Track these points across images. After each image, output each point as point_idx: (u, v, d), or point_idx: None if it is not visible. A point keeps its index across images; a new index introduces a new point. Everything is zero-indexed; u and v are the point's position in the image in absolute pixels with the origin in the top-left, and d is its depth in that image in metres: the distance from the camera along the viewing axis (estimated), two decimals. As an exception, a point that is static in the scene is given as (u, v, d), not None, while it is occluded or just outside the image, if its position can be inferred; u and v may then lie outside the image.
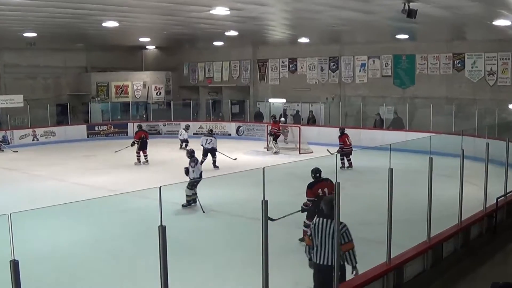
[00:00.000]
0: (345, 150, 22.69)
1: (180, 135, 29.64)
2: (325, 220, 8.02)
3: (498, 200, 12.81)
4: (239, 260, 11.36)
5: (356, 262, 8.11)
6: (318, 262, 8.05)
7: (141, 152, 24.54)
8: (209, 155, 23.22)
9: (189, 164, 17.04)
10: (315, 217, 8.39)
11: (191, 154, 17.43)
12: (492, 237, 12.33)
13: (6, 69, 32.94)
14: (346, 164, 22.43)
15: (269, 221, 6.66)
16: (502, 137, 14.87)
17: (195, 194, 16.21)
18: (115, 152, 26.40)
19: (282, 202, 14.63)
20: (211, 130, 27.07)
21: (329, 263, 7.88)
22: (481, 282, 9.62)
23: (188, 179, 16.52)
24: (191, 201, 16.31)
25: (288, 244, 12.04)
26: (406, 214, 13.45)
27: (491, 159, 12.83)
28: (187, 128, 29.93)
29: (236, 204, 16.54)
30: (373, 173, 18.07)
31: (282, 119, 31.56)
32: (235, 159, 24.38)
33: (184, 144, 28.75)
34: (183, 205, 16.16)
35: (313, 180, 12.23)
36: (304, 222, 12.29)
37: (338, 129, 24.74)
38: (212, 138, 23.54)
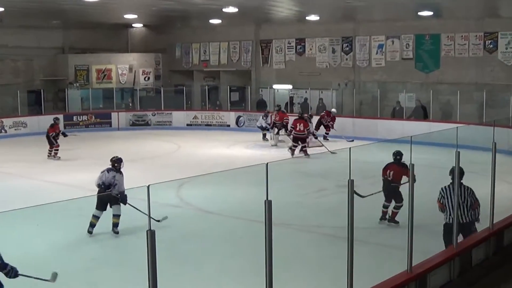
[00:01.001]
0: (295, 135, 24.19)
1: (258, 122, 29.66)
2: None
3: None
4: (238, 269, 11.35)
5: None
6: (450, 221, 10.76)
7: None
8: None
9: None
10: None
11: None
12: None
13: (-32, 50, 32.82)
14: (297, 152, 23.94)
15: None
16: None
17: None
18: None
19: (288, 203, 14.68)
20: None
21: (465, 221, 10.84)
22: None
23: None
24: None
25: (295, 250, 12.01)
26: (430, 217, 13.45)
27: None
28: (266, 115, 29.25)
29: (236, 204, 16.53)
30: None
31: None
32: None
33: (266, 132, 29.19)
34: None
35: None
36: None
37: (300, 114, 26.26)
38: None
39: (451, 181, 11.25)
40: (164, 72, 39.09)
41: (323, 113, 29.52)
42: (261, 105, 34.34)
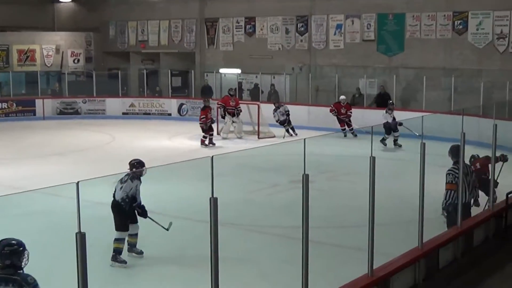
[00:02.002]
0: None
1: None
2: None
3: (509, 196, 12.97)
4: (181, 274, 11.38)
5: None
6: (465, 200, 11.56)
7: None
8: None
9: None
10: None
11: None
12: (501, 243, 12.50)
13: None
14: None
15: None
16: None
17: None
18: None
19: (237, 200, 14.74)
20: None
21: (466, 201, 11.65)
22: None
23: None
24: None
25: (244, 253, 12.08)
26: (393, 214, 13.66)
27: (500, 144, 12.99)
28: (278, 107, 28.48)
29: (179, 202, 16.52)
30: (351, 163, 18.25)
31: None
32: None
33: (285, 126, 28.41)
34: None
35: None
36: None
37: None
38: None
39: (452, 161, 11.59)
40: (97, 53, 38.83)
41: (332, 107, 28.05)
42: (206, 92, 34.19)
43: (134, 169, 12.67)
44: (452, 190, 11.58)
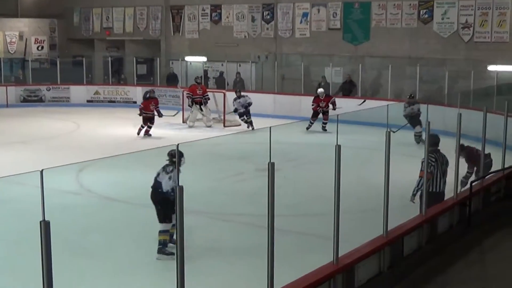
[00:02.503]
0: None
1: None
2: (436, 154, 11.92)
3: (473, 185, 13.09)
4: (148, 262, 11.36)
5: None
6: (436, 189, 12.05)
7: None
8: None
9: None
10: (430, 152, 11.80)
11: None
12: (465, 230, 12.60)
13: None
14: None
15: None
16: (479, 107, 15.12)
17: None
18: None
19: (202, 189, 14.75)
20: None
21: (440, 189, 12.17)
22: (452, 286, 9.89)
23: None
24: None
25: (209, 241, 12.09)
26: (358, 203, 13.75)
27: (464, 133, 13.09)
28: (239, 97, 27.02)
29: (145, 191, 16.43)
30: (317, 151, 18.31)
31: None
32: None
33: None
34: None
35: None
36: None
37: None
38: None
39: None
40: (61, 41, 38.53)
41: (313, 105, 26.11)
42: (171, 80, 34.18)
43: (173, 159, 11.71)
44: (422, 178, 11.68)
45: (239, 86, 31.70)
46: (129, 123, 25.39)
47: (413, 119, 20.79)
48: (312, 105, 26.00)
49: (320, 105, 25.80)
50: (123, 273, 11.26)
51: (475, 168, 14.34)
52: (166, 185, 11.83)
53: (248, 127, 26.28)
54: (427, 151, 11.78)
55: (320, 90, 26.81)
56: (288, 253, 10.86)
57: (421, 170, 11.79)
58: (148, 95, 25.82)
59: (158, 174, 12.03)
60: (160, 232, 11.65)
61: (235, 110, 26.76)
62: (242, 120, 26.77)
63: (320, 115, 25.77)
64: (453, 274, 10.65)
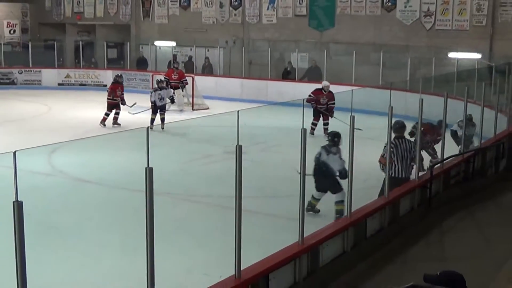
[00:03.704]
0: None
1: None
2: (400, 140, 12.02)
3: (433, 168, 13.18)
4: (118, 243, 11.32)
5: None
6: (397, 175, 11.97)
7: None
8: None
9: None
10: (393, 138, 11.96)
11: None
12: (425, 212, 12.69)
13: None
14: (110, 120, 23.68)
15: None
16: (439, 92, 15.19)
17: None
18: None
19: (173, 172, 14.71)
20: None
21: (403, 175, 12.12)
22: (413, 265, 9.96)
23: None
24: None
25: (178, 221, 12.07)
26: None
27: (426, 118, 13.18)
28: (160, 88, 23.56)
29: (116, 172, 16.41)
30: (283, 135, 18.29)
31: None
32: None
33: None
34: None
35: None
36: None
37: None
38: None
39: (393, 135, 11.71)
40: (32, 24, 38.20)
41: (311, 96, 21.01)
42: (141, 64, 34.05)
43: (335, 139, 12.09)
44: (382, 163, 11.90)
45: (207, 70, 31.71)
46: (99, 106, 25.18)
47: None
48: (311, 101, 20.10)
49: (321, 101, 20.72)
50: (93, 252, 11.23)
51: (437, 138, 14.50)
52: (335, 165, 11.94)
53: (151, 124, 21.95)
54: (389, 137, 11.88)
55: (325, 82, 22.04)
56: (256, 233, 10.88)
57: (381, 156, 11.85)
58: (115, 79, 25.12)
59: (320, 154, 11.92)
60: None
61: (159, 108, 22.71)
62: (153, 115, 22.63)
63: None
64: (413, 254, 10.73)
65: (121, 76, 25.28)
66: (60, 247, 11.03)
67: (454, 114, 14.98)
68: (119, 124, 23.49)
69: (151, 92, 23.23)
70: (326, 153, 11.98)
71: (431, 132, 14.80)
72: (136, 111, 23.26)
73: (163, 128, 22.19)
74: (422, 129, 13.50)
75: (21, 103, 28.96)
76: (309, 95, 20.74)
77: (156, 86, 23.44)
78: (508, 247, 10.66)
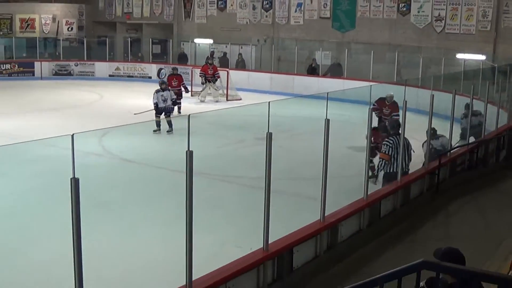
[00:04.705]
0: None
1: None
2: (397, 137, 11.52)
3: (441, 157, 13.09)
4: (160, 217, 11.34)
5: None
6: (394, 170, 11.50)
7: None
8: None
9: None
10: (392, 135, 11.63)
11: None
12: (433, 196, 12.61)
13: None
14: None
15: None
16: (448, 89, 15.10)
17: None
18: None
19: (210, 155, 14.70)
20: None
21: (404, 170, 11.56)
22: (421, 244, 9.90)
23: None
24: None
25: (214, 199, 12.05)
26: (343, 169, 13.71)
27: (436, 112, 13.07)
28: (163, 89, 20.52)
29: (159, 154, 16.45)
30: (308, 124, 18.23)
31: None
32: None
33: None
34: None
35: None
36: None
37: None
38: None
39: (392, 131, 11.60)
40: (88, 23, 38.30)
41: (375, 105, 16.19)
42: (182, 59, 34.03)
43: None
44: (384, 159, 11.66)
45: (240, 65, 31.66)
46: (144, 95, 25.21)
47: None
48: (375, 110, 15.63)
49: (384, 111, 16.80)
50: (136, 225, 11.26)
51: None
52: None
53: (157, 127, 19.56)
54: (389, 134, 11.77)
55: (390, 93, 16.88)
56: (282, 211, 10.85)
57: (380, 152, 11.72)
58: (170, 72, 24.92)
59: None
60: None
61: (164, 110, 19.93)
62: (156, 118, 19.79)
63: None
64: (421, 233, 10.68)
65: (175, 68, 25.45)
66: (108, 218, 11.07)
67: (460, 109, 14.88)
68: (180, 113, 22.74)
69: (154, 94, 20.24)
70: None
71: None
72: (139, 112, 20.93)
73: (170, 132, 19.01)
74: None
75: (77, 92, 29.10)
76: (373, 104, 15.69)
77: (159, 87, 20.37)
78: (506, 229, 10.58)
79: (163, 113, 19.90)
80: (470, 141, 14.17)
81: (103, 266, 8.67)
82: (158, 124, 19.40)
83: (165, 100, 19.89)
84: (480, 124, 15.14)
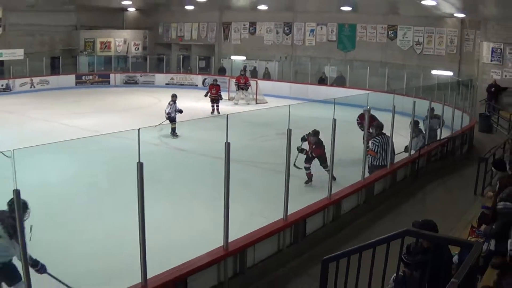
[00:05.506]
0: (212, 97, 23.69)
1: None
2: (382, 137, 11.34)
3: (421, 149, 13.03)
4: (204, 194, 11.32)
5: None
6: (379, 164, 11.24)
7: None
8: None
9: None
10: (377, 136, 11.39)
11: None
12: (414, 179, 12.53)
13: (10, 27, 31.92)
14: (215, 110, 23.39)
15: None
16: (426, 97, 15.19)
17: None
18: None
19: (242, 146, 14.68)
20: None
21: (385, 163, 11.27)
22: (404, 216, 9.82)
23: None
24: None
25: (245, 180, 12.01)
26: (345, 158, 13.61)
27: (416, 115, 13.02)
28: (174, 101, 19.09)
29: (203, 144, 16.43)
30: (319, 122, 18.09)
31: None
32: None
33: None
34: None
35: None
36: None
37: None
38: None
39: (376, 133, 11.46)
40: (150, 44, 38.36)
41: (358, 120, 14.32)
42: (221, 71, 34.07)
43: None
44: (371, 155, 11.40)
45: (266, 76, 31.61)
46: (192, 99, 25.23)
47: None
48: (359, 124, 14.16)
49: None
50: (184, 199, 11.27)
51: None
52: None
53: (171, 133, 18.45)
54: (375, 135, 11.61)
55: (367, 108, 11.75)
56: (298, 190, 10.82)
57: (369, 150, 11.38)
58: (211, 82, 25.13)
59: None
60: None
61: (173, 119, 18.53)
62: (172, 125, 18.48)
63: None
64: (405, 207, 10.65)
65: (215, 80, 25.63)
66: (162, 195, 11.08)
67: (436, 112, 14.81)
68: (219, 113, 22.98)
69: (170, 105, 18.70)
70: None
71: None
72: (158, 123, 18.03)
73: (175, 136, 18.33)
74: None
75: (141, 96, 29.22)
76: (357, 119, 14.34)
77: (171, 100, 18.85)
78: (466, 204, 10.57)
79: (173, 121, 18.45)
80: (429, 141, 13.93)
81: (159, 231, 8.66)
82: (174, 130, 18.28)
83: (178, 111, 18.52)
84: (434, 129, 14.89)
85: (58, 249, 7.66)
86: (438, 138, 14.69)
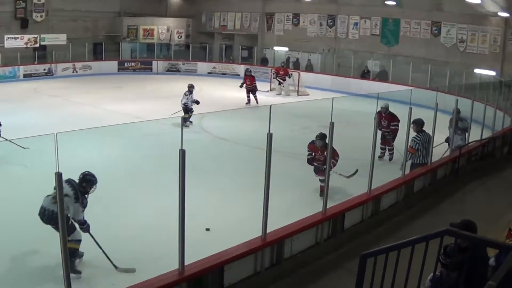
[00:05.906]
0: (248, 87, 23.47)
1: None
2: (422, 134, 11.14)
3: (461, 148, 12.85)
4: (244, 183, 11.42)
5: None
6: (419, 161, 11.14)
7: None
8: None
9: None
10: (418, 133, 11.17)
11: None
12: (454, 179, 12.38)
13: (53, 13, 32.55)
14: (252, 99, 23.23)
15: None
16: (468, 96, 14.94)
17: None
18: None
19: (282, 136, 14.67)
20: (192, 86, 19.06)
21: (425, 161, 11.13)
22: (441, 216, 9.71)
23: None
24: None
25: (285, 171, 12.03)
26: (386, 154, 13.49)
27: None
28: (191, 92, 18.71)
29: (244, 134, 16.50)
30: (359, 116, 17.99)
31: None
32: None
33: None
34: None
35: None
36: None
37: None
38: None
39: (413, 130, 11.30)
40: (193, 32, 38.58)
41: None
42: (264, 61, 34.14)
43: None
44: (411, 153, 11.16)
45: (309, 69, 31.49)
46: (234, 89, 25.31)
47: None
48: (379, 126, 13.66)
49: (383, 123, 14.08)
50: (226, 189, 11.36)
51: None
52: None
53: (186, 125, 17.28)
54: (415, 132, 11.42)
55: (385, 104, 14.34)
56: (338, 183, 10.81)
57: (409, 147, 11.10)
58: (245, 73, 25.14)
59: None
60: None
61: (185, 105, 18.02)
62: (188, 115, 17.66)
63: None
64: (443, 207, 10.50)
65: (248, 70, 25.56)
66: (203, 182, 11.19)
67: (476, 112, 14.50)
68: (257, 103, 23.03)
69: (185, 96, 18.31)
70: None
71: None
72: (172, 113, 16.99)
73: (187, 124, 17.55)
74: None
75: (183, 84, 29.08)
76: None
77: (188, 90, 18.48)
78: (505, 206, 10.38)
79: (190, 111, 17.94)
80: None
81: (197, 218, 8.77)
82: (185, 120, 17.19)
83: (192, 101, 18.12)
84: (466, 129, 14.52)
85: (100, 231, 7.82)
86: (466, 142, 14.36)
